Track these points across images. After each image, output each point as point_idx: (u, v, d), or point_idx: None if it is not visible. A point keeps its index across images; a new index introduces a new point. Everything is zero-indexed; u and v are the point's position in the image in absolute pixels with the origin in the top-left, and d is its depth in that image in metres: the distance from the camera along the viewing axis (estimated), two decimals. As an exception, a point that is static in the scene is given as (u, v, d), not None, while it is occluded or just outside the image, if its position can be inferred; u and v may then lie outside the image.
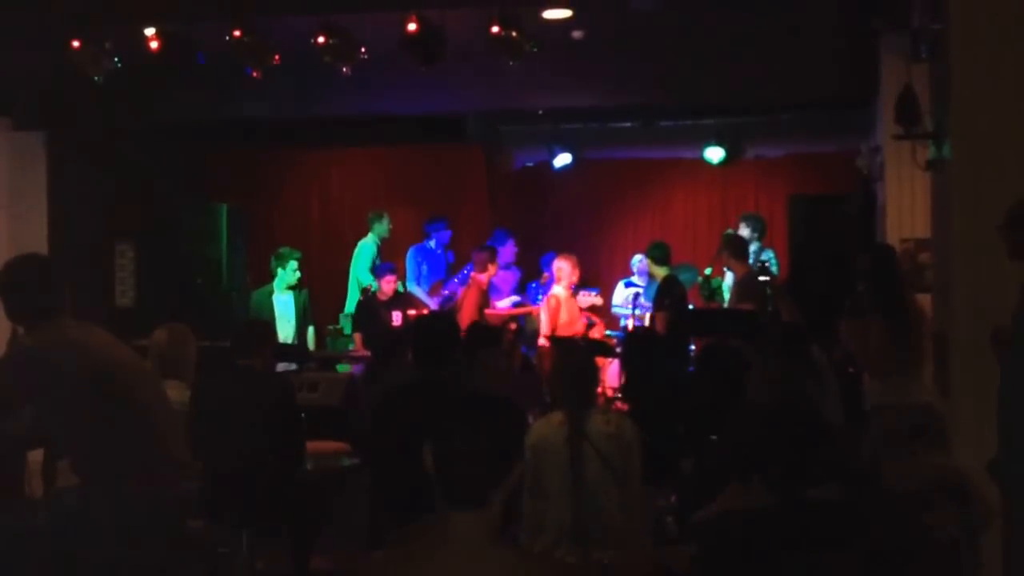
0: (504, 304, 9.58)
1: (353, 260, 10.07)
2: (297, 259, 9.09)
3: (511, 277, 9.98)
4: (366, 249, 10.03)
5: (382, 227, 10.08)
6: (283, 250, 9.15)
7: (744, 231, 9.19)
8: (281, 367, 7.75)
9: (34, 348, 3.73)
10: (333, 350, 9.39)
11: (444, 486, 2.33)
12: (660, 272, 8.70)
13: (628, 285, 9.81)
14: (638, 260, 9.85)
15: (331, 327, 9.66)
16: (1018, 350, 4.27)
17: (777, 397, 4.05)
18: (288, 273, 9.02)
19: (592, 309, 9.54)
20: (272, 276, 9.19)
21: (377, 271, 9.56)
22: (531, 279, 10.15)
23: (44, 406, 3.78)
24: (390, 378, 5.89)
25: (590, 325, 9.29)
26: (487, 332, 5.42)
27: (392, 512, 4.46)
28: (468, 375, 4.92)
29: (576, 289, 9.31)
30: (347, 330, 9.56)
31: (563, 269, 8.99)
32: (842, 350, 5.67)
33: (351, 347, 9.33)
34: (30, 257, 4.10)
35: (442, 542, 2.31)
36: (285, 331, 8.99)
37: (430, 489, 2.35)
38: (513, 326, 9.04)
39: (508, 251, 9.86)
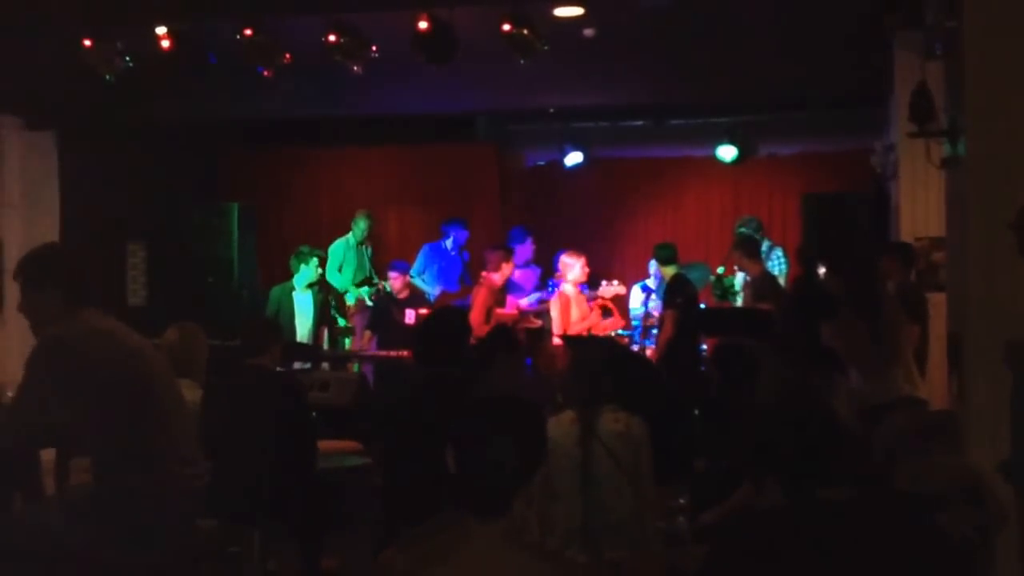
0: (527, 301, 9.56)
1: None
2: (319, 256, 9.20)
3: (532, 275, 9.96)
4: (335, 250, 10.04)
5: (358, 227, 10.07)
6: (304, 248, 9.27)
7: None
8: (297, 366, 7.78)
9: (63, 337, 3.67)
10: (343, 348, 9.42)
11: (467, 494, 2.31)
12: (669, 272, 8.69)
13: (644, 289, 9.79)
14: (655, 264, 9.82)
15: (344, 325, 9.68)
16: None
17: (787, 396, 4.03)
18: (310, 270, 9.10)
19: (615, 300, 9.49)
20: (287, 274, 9.27)
21: (388, 269, 9.56)
22: (545, 278, 10.12)
23: (71, 397, 3.69)
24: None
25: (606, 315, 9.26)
26: (509, 338, 5.38)
27: (404, 511, 4.44)
28: (484, 376, 4.90)
29: (594, 285, 9.28)
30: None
31: (568, 265, 9.00)
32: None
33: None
34: (53, 245, 4.03)
35: (459, 543, 2.30)
36: (303, 328, 9.04)
37: (440, 487, 2.33)
38: (539, 323, 9.04)
39: (526, 249, 9.85)
